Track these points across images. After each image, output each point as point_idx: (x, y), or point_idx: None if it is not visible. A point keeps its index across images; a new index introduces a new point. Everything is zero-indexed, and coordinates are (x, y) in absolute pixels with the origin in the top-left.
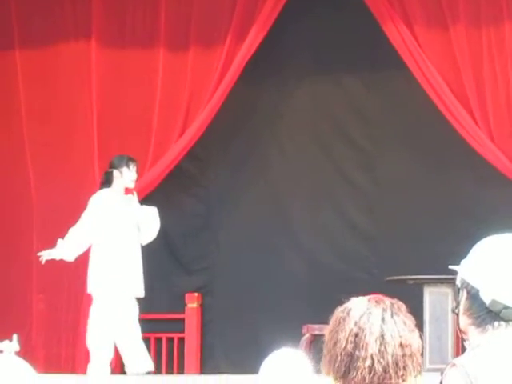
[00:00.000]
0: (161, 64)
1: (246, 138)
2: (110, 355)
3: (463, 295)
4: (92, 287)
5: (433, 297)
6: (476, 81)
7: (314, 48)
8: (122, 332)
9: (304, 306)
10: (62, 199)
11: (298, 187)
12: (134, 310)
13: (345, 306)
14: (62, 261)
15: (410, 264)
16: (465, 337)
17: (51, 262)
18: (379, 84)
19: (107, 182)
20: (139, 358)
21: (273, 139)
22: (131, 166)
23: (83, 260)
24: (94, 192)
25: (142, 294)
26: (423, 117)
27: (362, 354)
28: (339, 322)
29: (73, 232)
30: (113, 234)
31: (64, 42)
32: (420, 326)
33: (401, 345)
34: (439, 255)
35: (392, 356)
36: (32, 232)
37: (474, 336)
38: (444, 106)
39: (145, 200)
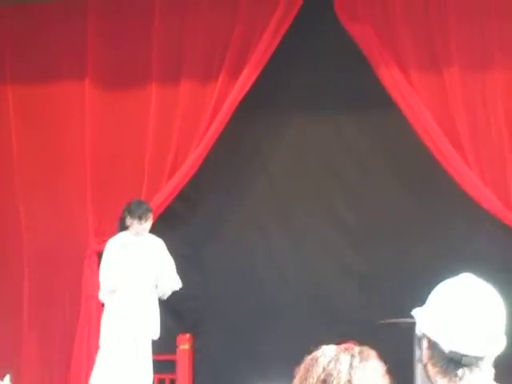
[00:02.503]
0: (153, 103)
1: (235, 175)
2: None
3: (424, 344)
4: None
5: None
6: (469, 124)
7: (307, 86)
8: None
9: (294, 345)
10: (53, 240)
11: (287, 224)
12: (148, 354)
13: (314, 353)
14: (52, 297)
15: (400, 303)
16: None
17: (42, 299)
18: (371, 124)
19: (124, 223)
20: None
21: (263, 176)
22: (143, 220)
23: (75, 295)
24: (86, 233)
25: (156, 335)
26: (415, 158)
27: None
28: (308, 369)
29: (109, 275)
30: (129, 277)
31: (58, 81)
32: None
33: None
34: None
35: None
36: (23, 269)
37: None
38: (436, 149)
39: None
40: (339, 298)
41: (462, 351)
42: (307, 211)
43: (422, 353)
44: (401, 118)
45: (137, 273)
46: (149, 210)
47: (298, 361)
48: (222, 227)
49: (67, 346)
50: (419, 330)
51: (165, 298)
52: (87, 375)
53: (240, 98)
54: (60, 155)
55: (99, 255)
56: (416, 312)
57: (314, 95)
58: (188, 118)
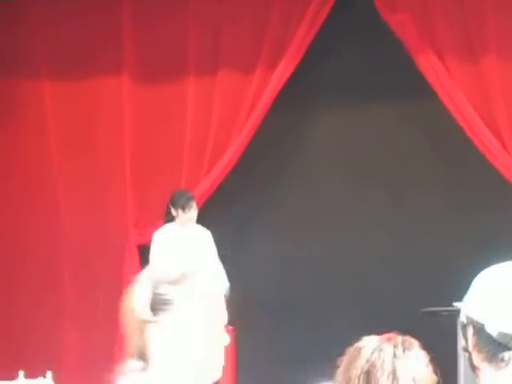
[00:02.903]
0: (190, 95)
1: (269, 167)
2: None
3: (470, 331)
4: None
5: None
6: (507, 111)
7: (344, 77)
8: None
9: (338, 338)
10: (94, 234)
11: (323, 219)
12: None
13: (356, 344)
14: (93, 291)
15: (442, 295)
16: (480, 374)
17: (83, 294)
18: (409, 115)
19: (169, 215)
20: None
21: (298, 167)
22: (187, 208)
23: (117, 289)
24: (126, 226)
25: None
26: (454, 148)
27: None
28: (351, 361)
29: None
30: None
31: (94, 75)
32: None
33: (413, 379)
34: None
35: None
36: (63, 266)
37: (489, 372)
38: (475, 135)
39: None
40: (378, 290)
41: None
42: (345, 208)
43: (468, 341)
44: (439, 105)
45: (187, 260)
46: (191, 199)
47: (341, 352)
48: (257, 223)
49: (109, 341)
50: (464, 315)
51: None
52: None
53: (278, 89)
54: (99, 149)
55: (140, 248)
56: (459, 304)
57: (351, 84)
58: (226, 109)
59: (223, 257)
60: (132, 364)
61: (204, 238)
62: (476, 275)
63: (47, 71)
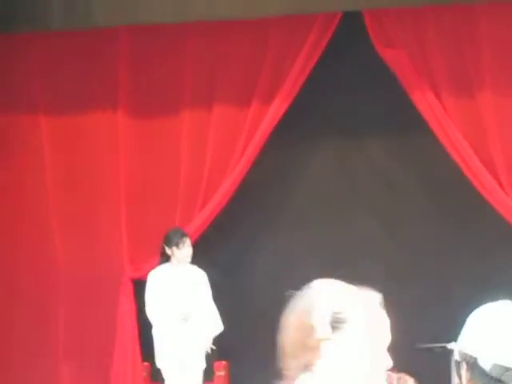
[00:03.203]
0: (185, 130)
1: (266, 201)
2: None
3: (463, 367)
4: (160, 362)
5: None
6: (503, 148)
7: (339, 110)
8: None
9: None
10: (89, 268)
11: (317, 252)
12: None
13: None
14: (88, 325)
15: (434, 330)
16: None
17: (78, 327)
18: (404, 149)
19: (164, 255)
20: None
21: (293, 202)
22: (181, 244)
23: (111, 322)
24: (121, 262)
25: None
26: (448, 182)
27: None
28: None
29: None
30: (174, 307)
31: (90, 110)
32: None
33: None
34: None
35: None
36: (58, 299)
37: None
38: (470, 172)
39: None
40: None
41: (506, 363)
42: (337, 239)
43: (461, 378)
44: (435, 142)
45: (179, 302)
46: (184, 235)
47: None
48: (254, 254)
49: (104, 374)
50: (457, 352)
51: (205, 340)
52: None
53: (273, 125)
54: (94, 184)
55: (134, 282)
56: (453, 344)
57: (346, 120)
58: (221, 144)
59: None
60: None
61: (199, 278)
62: (470, 312)
63: (44, 106)
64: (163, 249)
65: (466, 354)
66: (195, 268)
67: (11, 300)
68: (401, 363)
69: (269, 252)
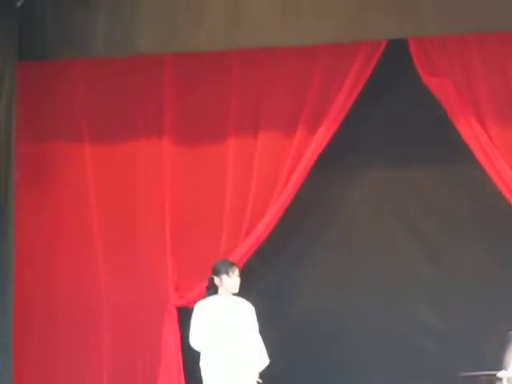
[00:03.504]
0: (231, 157)
1: (310, 231)
2: None
3: None
4: None
5: None
6: None
7: (384, 139)
8: None
9: None
10: (133, 296)
11: (362, 281)
12: None
13: None
14: (132, 353)
15: (479, 360)
16: None
17: (122, 356)
18: (449, 178)
19: (212, 288)
20: None
21: (337, 231)
22: (230, 272)
23: (155, 354)
24: (166, 289)
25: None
26: (495, 212)
27: None
28: None
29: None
30: (221, 340)
31: (135, 138)
32: None
33: None
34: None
35: None
36: (102, 327)
37: None
38: None
39: None
40: (418, 353)
41: None
42: (383, 269)
43: None
44: (480, 172)
45: (226, 334)
46: (233, 264)
47: None
48: (298, 284)
49: None
50: (507, 378)
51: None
52: None
53: (318, 152)
54: (139, 210)
55: (179, 310)
56: (503, 372)
57: (392, 150)
58: (266, 172)
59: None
60: None
61: (246, 311)
62: None
63: (88, 134)
64: (211, 280)
65: None
66: (243, 300)
67: (53, 326)
68: None
69: (312, 281)
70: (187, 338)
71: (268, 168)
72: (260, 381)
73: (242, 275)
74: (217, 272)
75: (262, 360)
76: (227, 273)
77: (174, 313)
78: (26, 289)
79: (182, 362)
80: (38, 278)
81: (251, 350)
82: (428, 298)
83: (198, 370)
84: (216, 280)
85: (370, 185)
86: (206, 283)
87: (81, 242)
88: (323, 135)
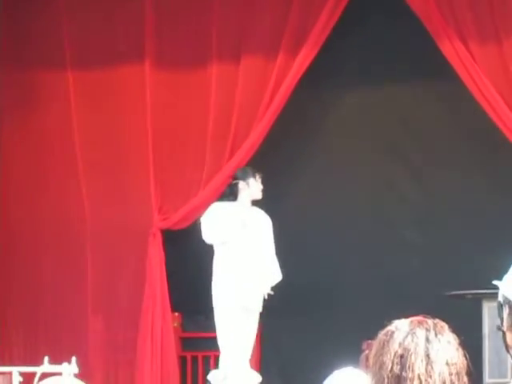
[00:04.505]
0: (213, 81)
1: (291, 148)
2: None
3: (505, 311)
4: (218, 300)
5: (491, 311)
6: None
7: (365, 58)
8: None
9: (363, 322)
10: (116, 219)
11: (345, 200)
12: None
13: (387, 328)
14: (116, 277)
15: (464, 278)
16: None
17: (107, 280)
18: (430, 96)
19: (231, 194)
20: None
21: (319, 151)
22: (257, 176)
23: (139, 277)
24: (148, 211)
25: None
26: (476, 129)
27: (410, 374)
28: (383, 345)
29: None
30: (237, 247)
31: (118, 63)
32: (478, 340)
33: (447, 363)
34: (494, 268)
35: (439, 375)
36: (86, 252)
37: None
38: (499, 119)
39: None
40: (403, 274)
41: None
42: (367, 188)
43: (503, 321)
44: (462, 89)
45: (244, 242)
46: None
47: (367, 337)
48: (282, 206)
49: (132, 327)
50: (501, 295)
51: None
52: (152, 357)
53: (299, 76)
54: (122, 135)
55: (163, 232)
56: (497, 282)
57: (373, 70)
58: (248, 96)
59: None
60: None
61: (265, 222)
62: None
63: (71, 60)
64: (234, 186)
65: (510, 299)
66: (262, 212)
67: (38, 249)
68: (432, 311)
69: (293, 198)
70: (171, 260)
71: (250, 91)
72: (271, 292)
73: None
74: (243, 176)
75: (275, 275)
76: (255, 177)
77: (159, 235)
78: (10, 213)
79: (166, 286)
80: (23, 203)
81: (265, 262)
82: (412, 218)
83: (182, 293)
84: (241, 184)
85: (350, 104)
86: (190, 206)
87: (64, 167)
88: (304, 58)
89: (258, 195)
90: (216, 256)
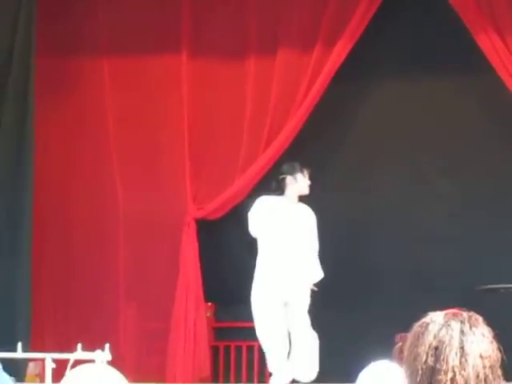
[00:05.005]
0: (250, 74)
1: (326, 140)
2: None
3: None
4: (257, 296)
5: None
6: None
7: (403, 52)
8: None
9: (396, 315)
10: (150, 208)
11: (379, 191)
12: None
13: (422, 320)
14: (150, 266)
15: (497, 273)
16: None
17: (140, 268)
18: (467, 89)
19: (279, 188)
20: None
21: (354, 142)
22: (305, 171)
23: (173, 266)
24: (183, 201)
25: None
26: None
27: (444, 366)
28: (418, 337)
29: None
30: (281, 241)
31: (154, 53)
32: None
33: (481, 356)
34: None
35: (473, 368)
36: (119, 240)
37: None
38: None
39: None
40: (437, 268)
41: None
42: (401, 181)
43: None
44: (497, 81)
45: (289, 237)
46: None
47: (402, 330)
48: (316, 196)
49: (165, 316)
50: None
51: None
52: (185, 346)
53: (336, 68)
54: (157, 125)
55: (198, 222)
56: None
57: (410, 62)
58: (285, 87)
59: None
60: None
61: (310, 219)
62: None
63: (107, 48)
64: (281, 181)
65: None
66: (308, 208)
67: (70, 238)
68: (466, 304)
69: (331, 192)
70: (206, 250)
71: (287, 83)
72: (315, 289)
73: (262, 188)
74: (291, 171)
75: (317, 273)
76: (303, 172)
77: (193, 225)
78: (43, 199)
79: (200, 276)
80: (57, 189)
81: (307, 260)
82: (446, 211)
83: (216, 283)
84: (289, 179)
85: (386, 97)
86: (224, 196)
87: (99, 154)
88: (341, 50)
89: (306, 190)
90: (260, 250)
